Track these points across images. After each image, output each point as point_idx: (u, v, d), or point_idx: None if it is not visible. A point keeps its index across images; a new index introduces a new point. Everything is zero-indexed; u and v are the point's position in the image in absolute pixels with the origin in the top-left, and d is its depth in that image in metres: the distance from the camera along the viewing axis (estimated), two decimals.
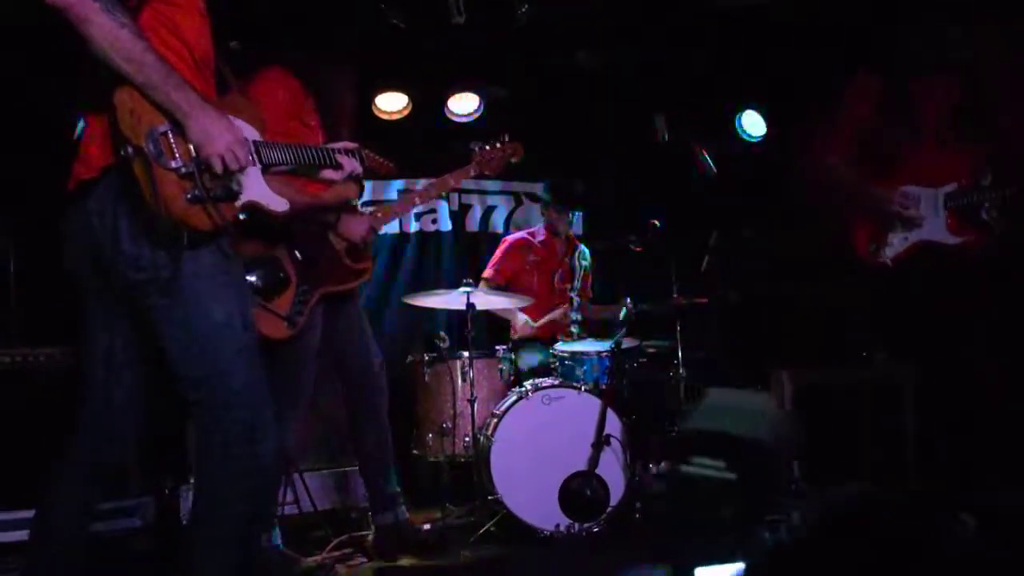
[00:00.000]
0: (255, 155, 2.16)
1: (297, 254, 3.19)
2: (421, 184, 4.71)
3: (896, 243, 3.30)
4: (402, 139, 5.23)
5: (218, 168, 2.01)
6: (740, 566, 2.04)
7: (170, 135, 1.98)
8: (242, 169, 2.06)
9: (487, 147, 3.74)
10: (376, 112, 5.26)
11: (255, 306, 3.00)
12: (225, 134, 2.01)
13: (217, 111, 2.03)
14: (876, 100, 3.32)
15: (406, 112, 5.45)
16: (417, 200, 3.76)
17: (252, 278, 3.04)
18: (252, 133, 2.18)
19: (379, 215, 3.48)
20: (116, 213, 2.01)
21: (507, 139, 3.78)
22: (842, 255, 3.50)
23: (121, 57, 1.90)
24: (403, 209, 3.81)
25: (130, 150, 1.92)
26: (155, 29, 2.04)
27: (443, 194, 5.46)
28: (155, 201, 1.93)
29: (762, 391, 3.33)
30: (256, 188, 2.16)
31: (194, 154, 1.99)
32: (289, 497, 3.93)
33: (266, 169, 2.21)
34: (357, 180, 3.34)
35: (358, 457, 3.58)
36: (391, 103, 5.38)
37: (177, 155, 1.97)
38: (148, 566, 3.53)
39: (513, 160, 3.79)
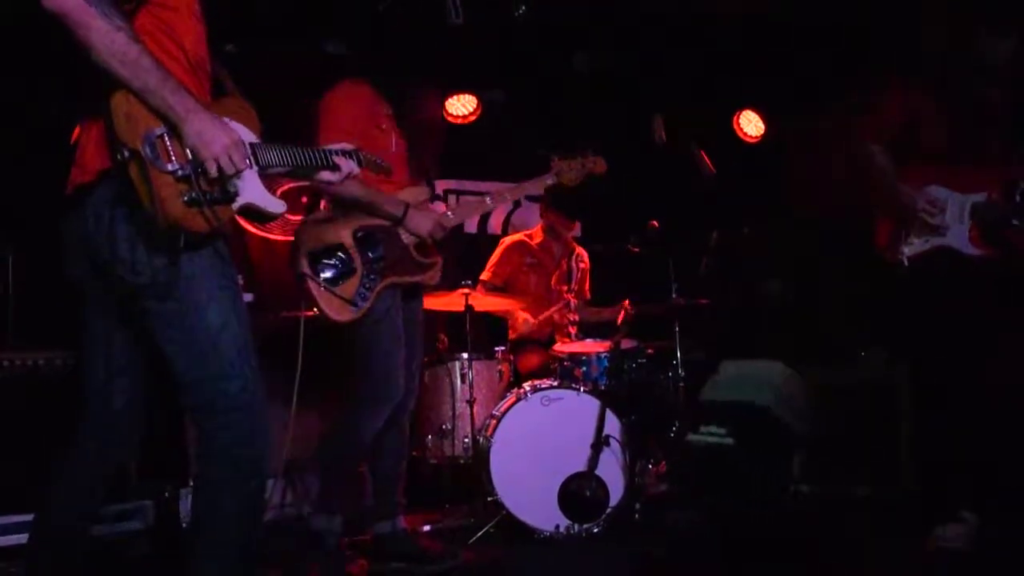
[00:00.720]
0: (252, 157, 2.15)
1: (366, 247, 3.32)
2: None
3: (917, 244, 3.29)
4: None
5: (213, 172, 2.00)
6: None
7: (166, 138, 1.97)
8: (238, 172, 2.05)
9: (567, 157, 3.74)
10: None
11: (322, 290, 3.17)
12: (221, 137, 2.00)
13: (212, 115, 2.02)
14: (910, 108, 3.30)
15: None
16: (489, 203, 3.79)
17: (319, 266, 3.22)
18: (249, 135, 2.16)
19: (449, 214, 3.55)
20: (113, 217, 2.00)
21: (590, 152, 3.77)
22: (851, 250, 3.48)
23: (117, 61, 1.90)
24: (475, 211, 3.87)
25: (126, 153, 1.92)
26: (151, 33, 2.04)
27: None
28: (152, 204, 1.93)
29: (773, 361, 3.32)
30: (253, 190, 2.14)
31: (190, 157, 1.99)
32: (289, 498, 3.94)
33: (263, 171, 2.20)
34: (427, 181, 3.51)
35: (373, 458, 3.56)
36: None
37: (173, 158, 1.97)
38: (148, 569, 3.53)
39: (594, 173, 3.76)
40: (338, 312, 3.22)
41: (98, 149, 2.03)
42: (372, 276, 3.29)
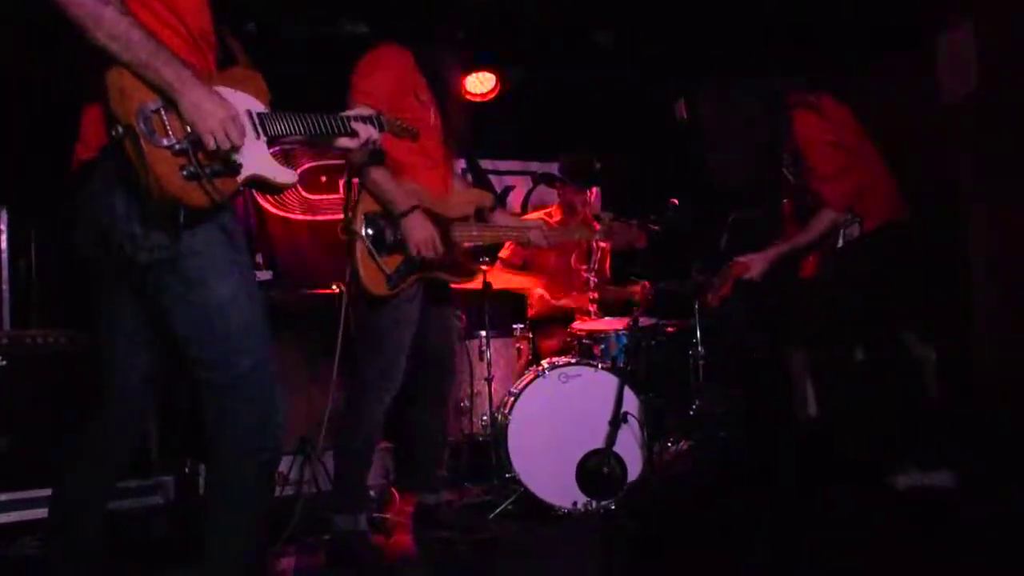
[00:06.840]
0: (259, 128, 2.12)
1: None
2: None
3: None
4: None
5: (209, 145, 1.97)
6: None
7: (162, 112, 1.94)
8: (234, 148, 2.02)
9: (619, 220, 4.07)
10: None
11: (367, 254, 3.14)
12: (218, 111, 1.97)
13: (209, 88, 1.99)
14: None
15: None
16: (533, 239, 3.81)
17: (372, 230, 3.18)
18: (256, 105, 2.14)
19: (475, 232, 3.56)
20: (114, 194, 1.99)
21: (635, 223, 4.11)
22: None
23: (106, 36, 1.87)
24: (511, 238, 4.04)
25: (120, 130, 1.90)
26: (149, 4, 2.01)
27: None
28: (148, 180, 1.91)
29: None
30: (260, 161, 2.11)
31: (188, 130, 1.96)
32: (307, 476, 3.97)
33: (272, 141, 2.16)
34: (490, 187, 3.62)
35: (414, 436, 3.64)
36: None
37: (170, 132, 1.94)
38: (168, 544, 3.57)
39: (634, 246, 4.15)
40: (372, 283, 3.16)
41: (99, 125, 2.01)
42: (415, 260, 3.24)
